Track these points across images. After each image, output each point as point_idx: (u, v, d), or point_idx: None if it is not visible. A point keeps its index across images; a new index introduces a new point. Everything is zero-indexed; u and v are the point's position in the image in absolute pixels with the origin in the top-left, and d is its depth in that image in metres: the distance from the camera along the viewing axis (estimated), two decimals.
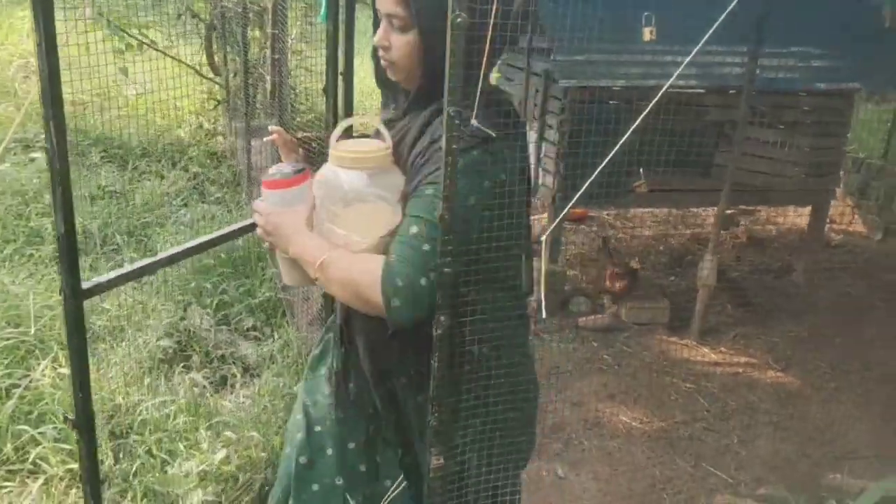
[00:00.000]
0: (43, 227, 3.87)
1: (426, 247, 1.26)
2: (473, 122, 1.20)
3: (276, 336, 3.22)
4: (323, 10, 2.31)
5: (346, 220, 1.41)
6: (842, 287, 4.75)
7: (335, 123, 2.13)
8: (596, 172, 1.75)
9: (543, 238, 1.49)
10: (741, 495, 2.85)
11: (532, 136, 4.27)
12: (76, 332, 1.66)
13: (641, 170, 3.79)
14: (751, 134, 4.20)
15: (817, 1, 4.11)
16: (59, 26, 1.50)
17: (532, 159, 4.27)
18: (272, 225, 1.44)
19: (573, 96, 3.92)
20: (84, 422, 1.73)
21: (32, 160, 4.52)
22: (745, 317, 4.30)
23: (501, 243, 1.31)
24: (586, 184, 1.77)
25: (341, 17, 2.01)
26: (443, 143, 1.17)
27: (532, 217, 4.66)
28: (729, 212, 4.85)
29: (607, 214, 5.54)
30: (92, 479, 1.82)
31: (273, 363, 2.99)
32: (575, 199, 1.70)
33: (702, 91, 4.18)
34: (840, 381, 3.70)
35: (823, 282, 4.74)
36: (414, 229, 1.28)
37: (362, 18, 3.61)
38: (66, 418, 1.97)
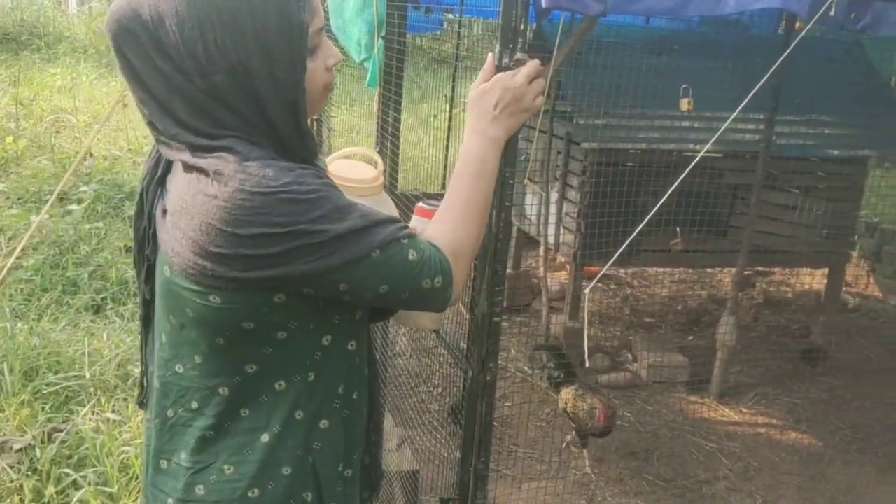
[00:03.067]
0: (79, 277, 3.98)
1: None
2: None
3: None
4: (370, 76, 2.46)
5: None
6: (860, 350, 4.79)
7: None
8: (635, 233, 1.86)
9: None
10: None
11: (554, 195, 4.39)
12: None
13: (678, 229, 3.91)
14: (766, 197, 4.31)
15: (832, 72, 4.30)
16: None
17: (553, 218, 4.38)
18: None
19: (593, 158, 4.06)
20: None
21: (69, 212, 4.67)
22: (764, 378, 4.34)
23: None
24: (625, 244, 1.87)
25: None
26: None
27: (550, 275, 4.77)
28: (745, 273, 4.92)
29: (624, 273, 5.63)
30: None
31: None
32: (613, 259, 1.78)
33: (718, 155, 4.31)
34: (862, 443, 3.72)
35: (842, 344, 4.78)
36: None
37: None
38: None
